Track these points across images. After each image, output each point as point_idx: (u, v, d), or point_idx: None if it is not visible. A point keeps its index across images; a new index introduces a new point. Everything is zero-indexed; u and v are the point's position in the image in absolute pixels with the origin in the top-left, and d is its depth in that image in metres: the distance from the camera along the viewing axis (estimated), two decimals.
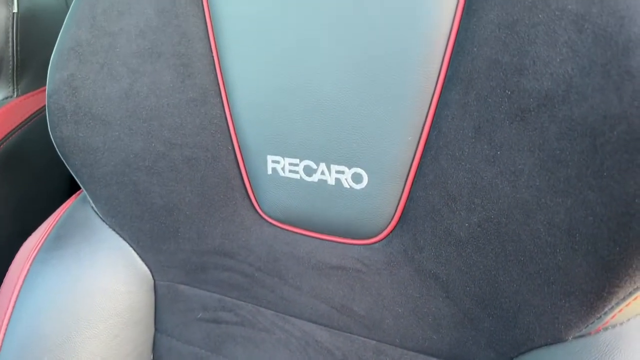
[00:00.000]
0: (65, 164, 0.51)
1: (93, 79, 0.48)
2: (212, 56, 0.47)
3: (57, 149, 0.51)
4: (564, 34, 0.32)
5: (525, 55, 0.34)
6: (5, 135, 0.76)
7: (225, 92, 0.47)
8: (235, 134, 0.47)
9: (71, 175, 0.92)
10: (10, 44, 0.76)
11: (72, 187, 0.93)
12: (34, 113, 0.81)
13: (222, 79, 0.46)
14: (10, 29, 0.76)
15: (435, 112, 0.39)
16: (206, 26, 0.46)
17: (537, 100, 0.34)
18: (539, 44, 0.33)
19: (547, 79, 0.33)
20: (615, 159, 0.31)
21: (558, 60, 0.33)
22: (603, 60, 0.31)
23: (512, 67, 0.34)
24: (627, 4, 0.30)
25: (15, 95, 0.80)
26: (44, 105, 0.84)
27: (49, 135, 0.76)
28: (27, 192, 0.80)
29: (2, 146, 0.75)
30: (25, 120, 0.80)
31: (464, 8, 0.37)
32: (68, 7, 0.87)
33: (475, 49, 0.36)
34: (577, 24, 0.32)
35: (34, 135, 0.81)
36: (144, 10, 0.47)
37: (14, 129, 0.77)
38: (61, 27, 0.79)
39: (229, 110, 0.47)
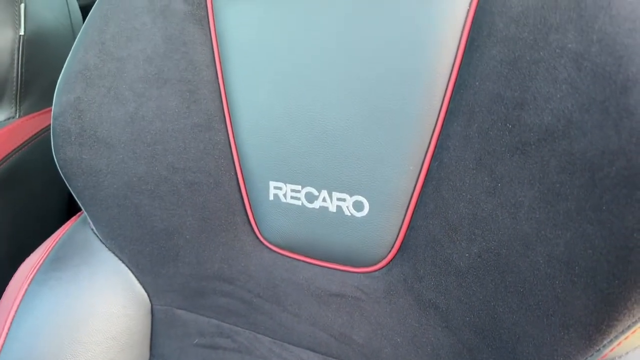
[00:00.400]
0: (68, 185, 0.51)
1: (99, 103, 0.48)
2: (218, 83, 0.47)
3: (60, 171, 0.51)
4: (564, 72, 0.33)
5: (526, 90, 0.35)
6: (6, 156, 0.76)
7: (230, 118, 0.47)
8: (239, 159, 0.48)
9: (69, 197, 0.92)
10: (15, 65, 0.77)
11: (69, 208, 0.93)
12: (35, 134, 0.82)
13: (227, 105, 0.47)
14: (15, 51, 0.77)
15: (437, 143, 0.40)
16: (213, 54, 0.47)
17: (538, 135, 0.35)
18: (540, 80, 0.34)
19: (547, 114, 0.34)
20: (614, 193, 0.32)
21: (558, 96, 0.34)
22: (602, 97, 0.32)
23: (514, 102, 0.35)
24: (626, 45, 0.31)
25: (17, 116, 0.80)
26: (45, 127, 0.84)
27: (49, 156, 0.76)
28: (24, 212, 0.80)
29: (1, 166, 0.75)
30: (26, 141, 0.80)
31: (466, 43, 0.38)
32: (73, 31, 0.88)
33: (477, 83, 0.37)
34: (577, 62, 0.33)
35: (34, 156, 0.81)
36: (152, 37, 0.48)
37: (14, 149, 0.78)
38: (66, 50, 0.81)
39: (233, 136, 0.48)
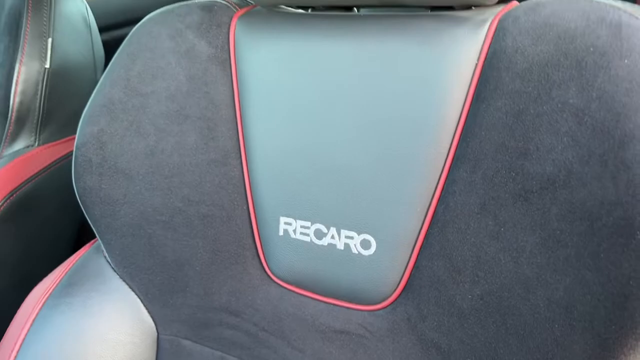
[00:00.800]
0: (85, 213, 0.53)
1: (121, 135, 0.51)
2: (236, 121, 0.50)
3: (78, 198, 0.53)
4: (565, 125, 0.35)
5: (529, 141, 0.37)
6: (23, 182, 0.78)
7: (245, 155, 0.50)
8: (251, 194, 0.50)
9: (79, 224, 0.94)
10: (39, 96, 0.80)
11: (78, 236, 0.94)
12: (51, 163, 0.84)
13: (244, 143, 0.49)
14: (40, 83, 0.80)
15: (443, 187, 0.42)
16: (233, 94, 0.50)
17: (540, 183, 0.36)
18: (543, 132, 0.36)
19: (549, 164, 0.36)
20: (611, 242, 0.33)
21: (560, 148, 0.36)
22: (601, 151, 0.34)
23: (517, 151, 0.37)
24: (623, 103, 0.33)
25: (36, 145, 0.83)
26: (62, 156, 0.87)
27: (63, 184, 0.79)
28: (37, 238, 0.82)
29: (18, 192, 0.77)
30: (43, 169, 0.82)
31: (474, 95, 0.40)
32: (95, 64, 0.92)
33: (483, 133, 0.39)
34: (578, 116, 0.35)
35: (49, 183, 0.84)
36: (176, 76, 0.50)
37: (31, 176, 0.80)
38: (87, 82, 0.84)
39: (247, 172, 0.50)
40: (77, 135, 0.53)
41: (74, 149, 0.53)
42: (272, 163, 0.48)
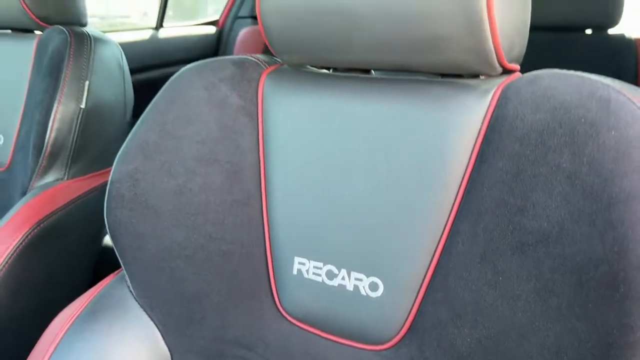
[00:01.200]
0: (113, 244, 0.57)
1: (153, 174, 0.55)
2: (260, 167, 0.54)
3: (108, 230, 0.57)
4: (559, 186, 0.40)
5: (527, 199, 0.41)
6: (50, 213, 0.83)
7: (266, 198, 0.54)
8: (269, 234, 0.53)
9: (97, 254, 0.98)
10: (72, 134, 0.86)
11: (97, 266, 0.98)
12: (77, 196, 0.89)
13: (265, 187, 0.54)
14: (75, 122, 0.86)
15: (447, 237, 0.46)
16: (258, 142, 0.55)
17: (536, 238, 0.40)
18: (539, 191, 0.40)
19: (544, 221, 0.40)
20: (598, 294, 0.37)
21: (554, 206, 0.40)
22: (590, 211, 0.38)
23: (516, 208, 0.41)
24: (610, 169, 0.37)
25: (65, 179, 0.88)
26: (87, 191, 0.92)
27: (86, 218, 0.83)
28: (58, 267, 0.86)
29: (45, 222, 0.82)
30: (69, 202, 0.87)
31: (477, 156, 0.45)
32: (125, 106, 0.98)
33: (485, 189, 0.43)
34: (570, 179, 0.39)
35: (73, 215, 0.88)
36: (207, 123, 0.55)
37: (58, 208, 0.85)
38: (117, 122, 0.90)
39: (267, 213, 0.54)
40: (112, 172, 0.57)
41: (108, 184, 0.57)
42: (290, 206, 0.52)
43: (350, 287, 0.49)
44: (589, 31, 1.34)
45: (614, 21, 1.37)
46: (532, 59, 1.30)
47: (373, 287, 0.48)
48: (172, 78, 0.59)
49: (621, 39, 1.39)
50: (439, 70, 0.49)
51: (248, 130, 0.55)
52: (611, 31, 1.40)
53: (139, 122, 0.58)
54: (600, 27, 1.38)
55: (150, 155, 0.56)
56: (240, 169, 0.54)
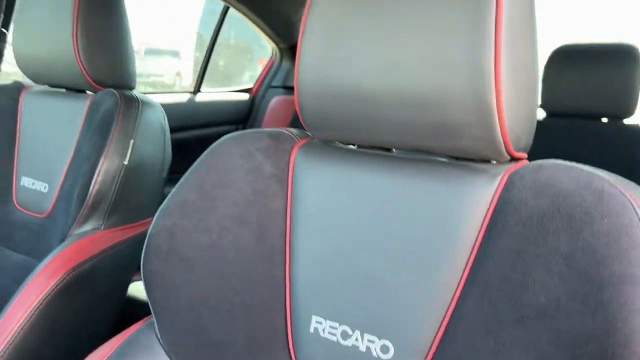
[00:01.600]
0: (146, 293, 0.62)
1: (189, 230, 0.61)
2: (286, 229, 0.60)
3: (143, 279, 0.62)
4: (556, 266, 0.44)
5: (528, 276, 0.45)
6: (85, 260, 0.88)
7: (289, 258, 0.59)
8: (290, 291, 0.58)
9: (124, 301, 1.02)
10: (113, 188, 0.93)
11: (123, 313, 1.02)
12: (111, 246, 0.95)
13: (290, 247, 0.59)
14: (117, 177, 0.93)
15: (455, 306, 0.49)
16: (286, 206, 0.60)
17: (535, 312, 0.44)
18: (539, 270, 0.45)
19: (542, 297, 0.44)
20: None
21: (552, 284, 0.44)
22: (584, 291, 0.42)
23: (518, 284, 0.45)
24: (602, 254, 0.42)
25: (101, 229, 0.94)
26: (120, 241, 0.98)
27: (116, 267, 0.89)
28: (87, 310, 0.90)
29: (79, 268, 0.87)
30: (103, 250, 0.93)
31: (485, 233, 0.49)
32: (163, 164, 1.06)
33: (491, 265, 0.48)
34: (567, 260, 0.43)
35: (105, 264, 0.94)
36: (242, 187, 0.61)
37: (92, 256, 0.90)
38: (154, 179, 0.97)
39: (289, 272, 0.58)
40: (152, 225, 0.63)
41: (147, 236, 0.63)
42: (311, 267, 0.57)
43: (362, 349, 0.53)
44: (605, 120, 1.40)
45: (629, 112, 1.43)
46: (550, 143, 1.36)
47: (384, 349, 0.52)
48: (213, 145, 0.65)
49: (636, 129, 1.44)
50: (453, 153, 0.54)
51: (278, 196, 0.61)
52: (627, 121, 1.45)
53: (180, 181, 0.64)
54: (616, 117, 1.44)
55: (188, 213, 0.62)
56: (268, 229, 0.60)
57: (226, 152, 0.63)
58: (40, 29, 1.05)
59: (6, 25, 1.29)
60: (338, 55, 0.53)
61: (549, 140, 1.36)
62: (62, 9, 1.00)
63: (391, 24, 0.50)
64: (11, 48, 1.21)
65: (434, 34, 0.47)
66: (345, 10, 0.52)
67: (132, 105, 0.98)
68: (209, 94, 2.02)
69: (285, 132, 0.65)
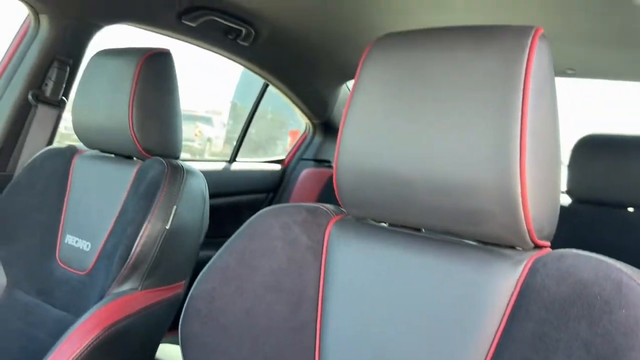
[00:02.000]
0: (182, 353, 0.65)
1: (228, 295, 0.65)
2: (318, 300, 0.63)
3: (180, 340, 0.66)
4: (577, 352, 0.46)
5: (549, 359, 0.47)
6: (120, 319, 0.92)
7: (320, 329, 0.62)
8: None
9: None
10: (154, 250, 0.98)
11: None
12: (146, 306, 0.99)
13: (321, 317, 0.62)
14: (158, 239, 0.98)
15: None
16: (319, 278, 0.64)
17: None
18: (559, 354, 0.47)
19: None
20: None
21: None
22: None
23: None
24: (620, 342, 0.44)
25: (139, 289, 0.99)
26: (154, 302, 1.02)
27: (149, 327, 0.92)
28: None
29: (113, 328, 0.91)
30: (138, 310, 0.97)
31: (509, 316, 0.52)
32: (201, 229, 1.11)
33: (514, 347, 0.50)
34: (586, 346, 0.46)
35: (139, 325, 0.97)
36: (279, 257, 0.65)
37: (127, 315, 0.94)
38: (191, 243, 1.02)
39: (319, 342, 0.61)
40: (192, 288, 0.67)
41: (188, 299, 0.67)
42: (341, 338, 0.60)
43: None
44: (631, 209, 1.41)
45: None
46: (575, 228, 1.38)
47: None
48: (254, 216, 0.70)
49: None
50: (480, 238, 0.58)
51: (312, 267, 0.65)
52: None
53: (222, 249, 0.69)
54: None
55: (228, 279, 0.66)
56: (301, 299, 0.63)
57: (266, 224, 0.68)
58: (100, 100, 1.14)
59: (66, 94, 1.40)
60: (377, 144, 0.58)
61: (575, 226, 1.38)
62: (122, 83, 1.10)
63: (428, 119, 0.55)
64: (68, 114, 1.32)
65: (466, 131, 0.53)
66: (385, 103, 0.58)
67: (178, 174, 1.05)
68: (244, 164, 2.11)
69: (322, 207, 0.69)
